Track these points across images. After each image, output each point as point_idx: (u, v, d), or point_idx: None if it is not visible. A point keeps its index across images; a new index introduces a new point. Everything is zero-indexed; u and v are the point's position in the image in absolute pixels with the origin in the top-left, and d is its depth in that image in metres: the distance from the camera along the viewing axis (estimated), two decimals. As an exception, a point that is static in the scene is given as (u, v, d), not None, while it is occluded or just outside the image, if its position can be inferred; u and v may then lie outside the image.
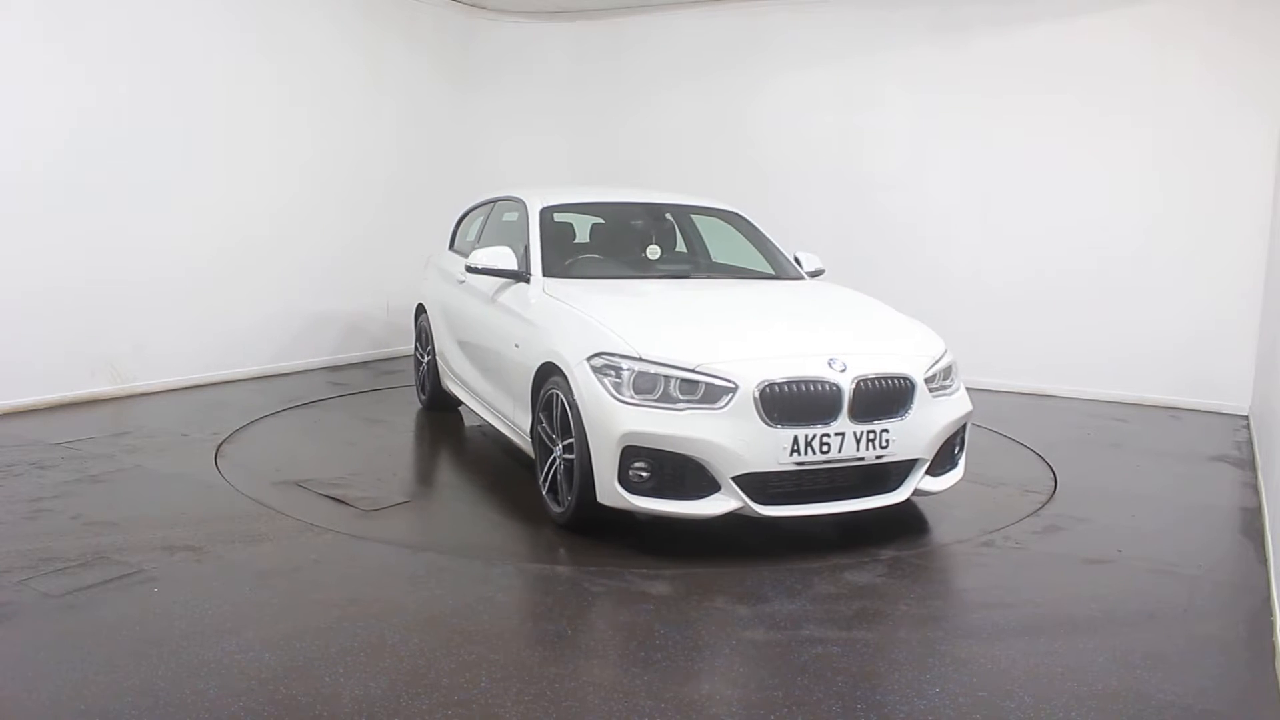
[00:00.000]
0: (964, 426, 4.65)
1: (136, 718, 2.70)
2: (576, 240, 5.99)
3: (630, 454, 4.01)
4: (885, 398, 4.20)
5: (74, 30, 6.49)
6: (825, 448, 4.05)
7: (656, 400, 4.02)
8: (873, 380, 4.16)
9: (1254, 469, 5.96)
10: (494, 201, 6.57)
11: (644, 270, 5.60)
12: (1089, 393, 8.08)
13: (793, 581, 3.91)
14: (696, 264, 5.99)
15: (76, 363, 6.66)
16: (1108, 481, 5.61)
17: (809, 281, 5.68)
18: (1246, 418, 7.48)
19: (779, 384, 4.01)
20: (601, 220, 6.22)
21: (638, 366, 4.07)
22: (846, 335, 4.57)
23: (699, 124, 9.58)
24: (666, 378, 4.03)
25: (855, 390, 4.09)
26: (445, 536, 4.49)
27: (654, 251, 5.77)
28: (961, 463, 4.71)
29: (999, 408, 7.63)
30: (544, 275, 5.18)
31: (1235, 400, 7.62)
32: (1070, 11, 8.01)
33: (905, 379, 4.26)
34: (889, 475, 4.31)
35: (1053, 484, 5.48)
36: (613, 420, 4.01)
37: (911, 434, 4.25)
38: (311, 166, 8.36)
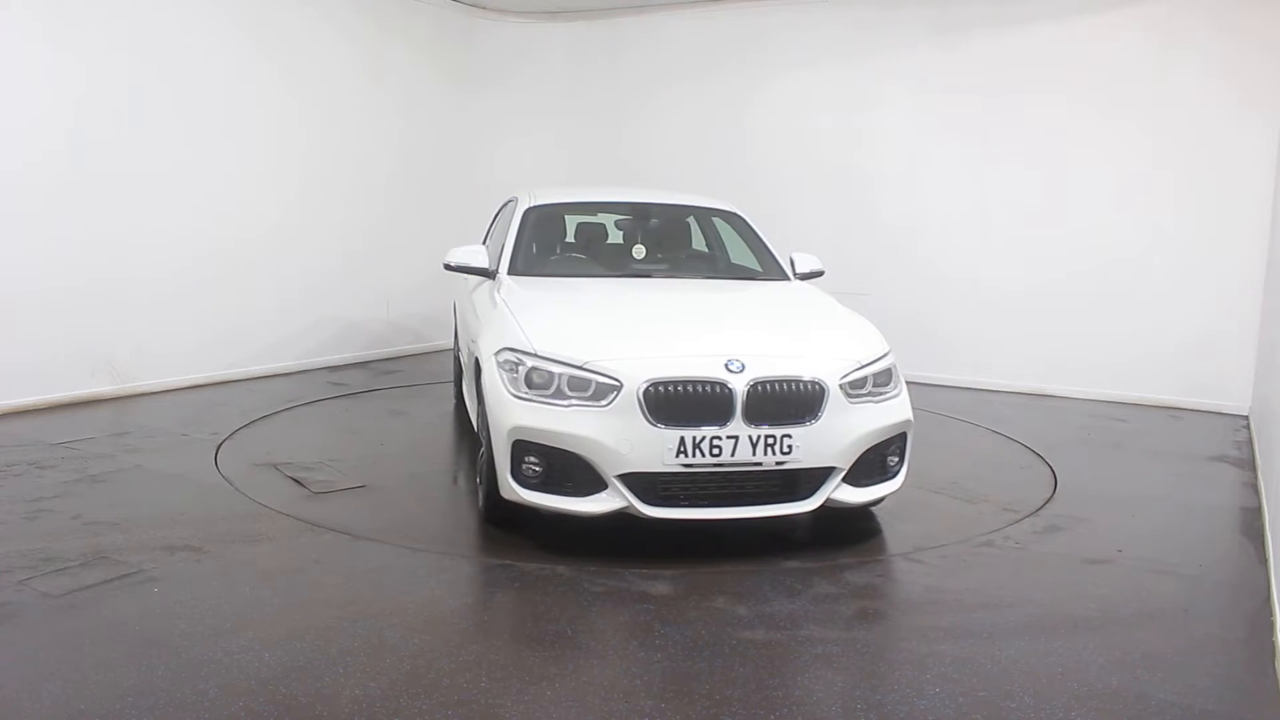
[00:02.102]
0: (902, 435, 4.40)
1: (136, 718, 2.70)
2: (565, 239, 6.03)
3: (521, 449, 4.03)
4: (787, 402, 4.02)
5: (73, 29, 6.48)
6: (716, 451, 3.92)
7: (550, 396, 4.01)
8: (771, 383, 4.00)
9: (1254, 469, 5.96)
10: (509, 200, 6.62)
11: (621, 269, 5.60)
12: (1089, 393, 8.08)
13: (793, 581, 3.91)
14: (680, 264, 5.83)
15: (76, 363, 6.66)
16: (1108, 481, 5.60)
17: (790, 283, 5.52)
18: (1246, 418, 7.48)
19: (664, 383, 3.92)
20: (590, 219, 6.23)
21: (531, 362, 4.09)
22: (764, 337, 4.44)
23: (698, 124, 9.58)
24: (558, 374, 4.02)
25: (749, 393, 3.95)
26: (445, 536, 4.48)
27: (639, 251, 5.77)
28: (900, 474, 4.46)
29: (999, 408, 7.63)
30: (509, 273, 5.27)
31: (1235, 400, 7.62)
32: (1070, 12, 8.01)
33: (813, 383, 4.07)
34: (799, 482, 4.13)
35: (1045, 495, 5.47)
36: (506, 414, 4.06)
37: (821, 441, 4.05)
38: (311, 166, 8.36)
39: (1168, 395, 7.85)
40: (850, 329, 4.66)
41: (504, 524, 4.39)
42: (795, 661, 3.21)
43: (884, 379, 4.36)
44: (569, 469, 3.99)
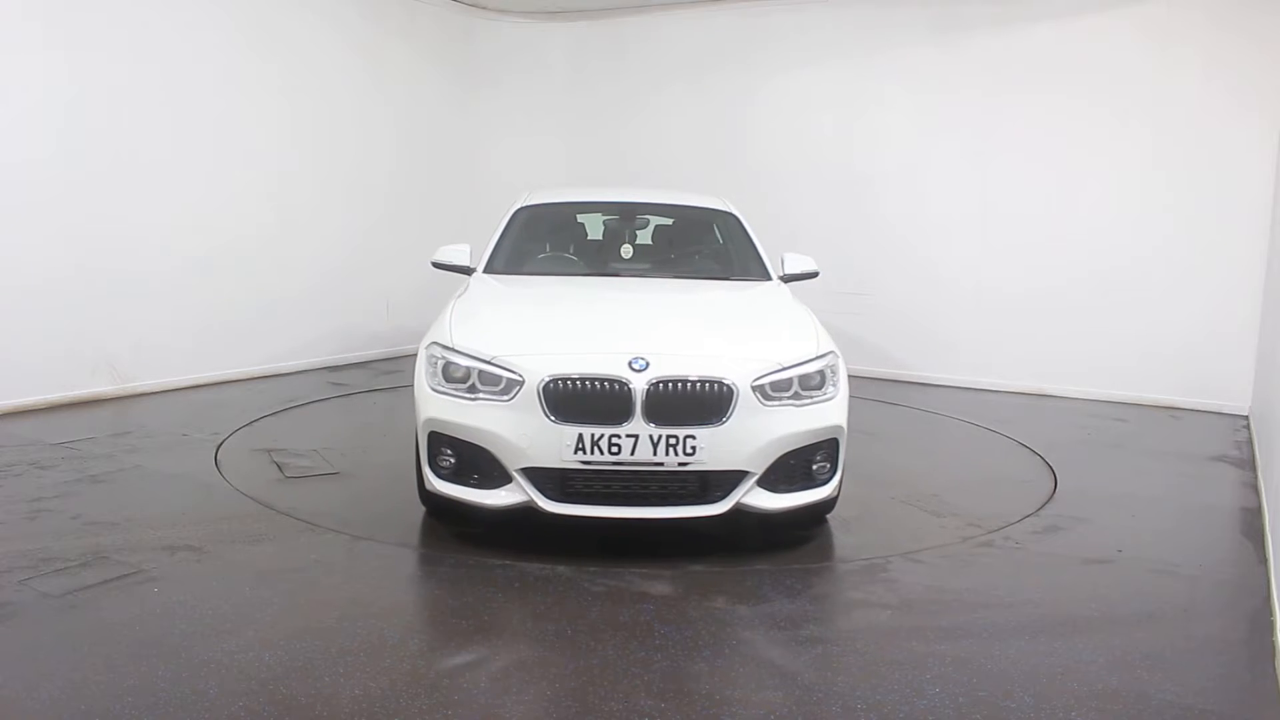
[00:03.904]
0: (832, 442, 4.22)
1: (136, 718, 2.70)
2: (554, 238, 6.06)
3: (435, 440, 4.12)
4: (691, 402, 3.94)
5: (72, 29, 6.48)
6: (615, 449, 3.87)
7: (464, 390, 4.07)
8: (673, 383, 3.92)
9: (1254, 469, 5.96)
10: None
11: (602, 269, 5.64)
12: (1089, 393, 8.08)
13: (793, 581, 3.91)
14: (665, 264, 5.78)
15: (76, 362, 6.66)
16: (1108, 481, 5.61)
17: (765, 284, 5.38)
18: (1246, 418, 7.48)
19: (564, 379, 3.91)
20: (581, 219, 6.25)
21: (447, 355, 4.17)
22: (684, 336, 4.36)
23: (698, 124, 9.58)
24: (471, 368, 4.08)
25: (649, 392, 3.89)
26: (449, 535, 4.48)
27: (627, 251, 5.79)
28: (831, 482, 4.27)
29: (999, 408, 7.64)
30: (485, 271, 5.37)
31: (1235, 400, 7.63)
32: (1070, 12, 8.01)
33: (719, 384, 3.96)
34: (709, 485, 4.01)
35: (1032, 508, 5.47)
36: (423, 407, 4.17)
37: (729, 443, 3.95)
38: (311, 166, 8.36)
39: (1168, 395, 7.85)
40: (792, 331, 4.49)
41: (504, 524, 4.39)
42: (795, 661, 3.21)
43: (814, 382, 4.19)
44: (477, 461, 4.05)
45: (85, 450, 5.47)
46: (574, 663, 3.13)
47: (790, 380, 4.12)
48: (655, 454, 3.89)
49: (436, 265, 5.54)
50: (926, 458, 6.24)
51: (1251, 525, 4.88)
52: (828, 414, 4.19)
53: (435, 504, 4.42)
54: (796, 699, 2.93)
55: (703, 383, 3.96)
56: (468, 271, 5.44)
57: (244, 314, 7.82)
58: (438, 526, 4.46)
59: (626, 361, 3.95)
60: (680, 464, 3.92)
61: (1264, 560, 4.33)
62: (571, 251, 5.97)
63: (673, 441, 3.89)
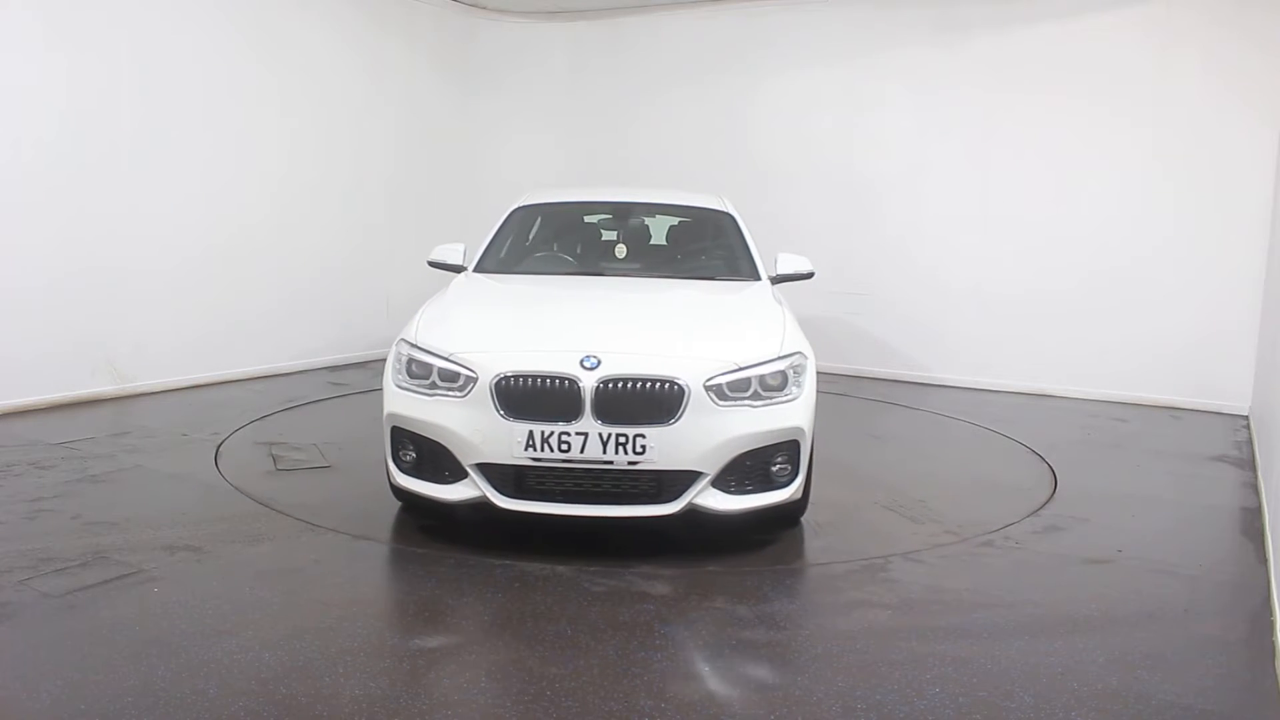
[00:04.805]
0: (792, 444, 4.13)
1: (136, 718, 2.70)
2: (548, 238, 6.07)
3: (397, 435, 4.21)
4: (641, 401, 3.92)
5: (72, 28, 6.48)
6: (565, 446, 3.89)
7: (425, 387, 4.14)
8: (622, 381, 3.91)
9: (1254, 469, 5.96)
10: None
11: (592, 268, 5.66)
12: (1089, 393, 8.08)
13: (793, 581, 3.91)
14: (656, 264, 5.75)
15: (76, 362, 6.66)
16: (1108, 481, 5.61)
17: (750, 284, 5.30)
18: (1246, 418, 7.48)
19: (515, 376, 3.95)
20: (576, 219, 6.27)
21: (409, 352, 4.25)
22: (641, 335, 4.32)
23: (699, 124, 9.58)
24: (432, 365, 4.14)
25: (598, 390, 3.89)
26: (449, 535, 4.49)
27: (621, 250, 5.81)
28: (793, 485, 4.17)
29: (999, 408, 7.64)
30: (475, 270, 5.42)
31: (1235, 400, 7.63)
32: (1070, 11, 8.02)
33: (669, 383, 3.93)
34: (662, 485, 3.98)
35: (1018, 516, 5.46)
36: (386, 402, 4.26)
37: (679, 443, 3.91)
38: (311, 166, 8.36)
39: (1168, 395, 7.85)
40: (757, 332, 4.41)
41: (504, 524, 4.38)
42: (795, 661, 3.21)
43: (775, 383, 4.13)
44: (436, 456, 4.11)
45: (85, 450, 5.47)
46: (574, 663, 3.13)
47: (748, 380, 4.08)
48: (605, 452, 3.89)
49: (432, 264, 5.59)
50: (921, 460, 6.21)
51: (1251, 525, 4.88)
52: (788, 415, 4.11)
53: (402, 498, 4.50)
54: (796, 699, 2.93)
55: (653, 382, 3.94)
56: (457, 270, 5.49)
57: (244, 314, 7.82)
58: (438, 526, 4.46)
59: (578, 360, 3.98)
60: (630, 463, 3.91)
61: (1264, 560, 4.33)
62: (564, 251, 5.98)
63: (622, 440, 3.89)
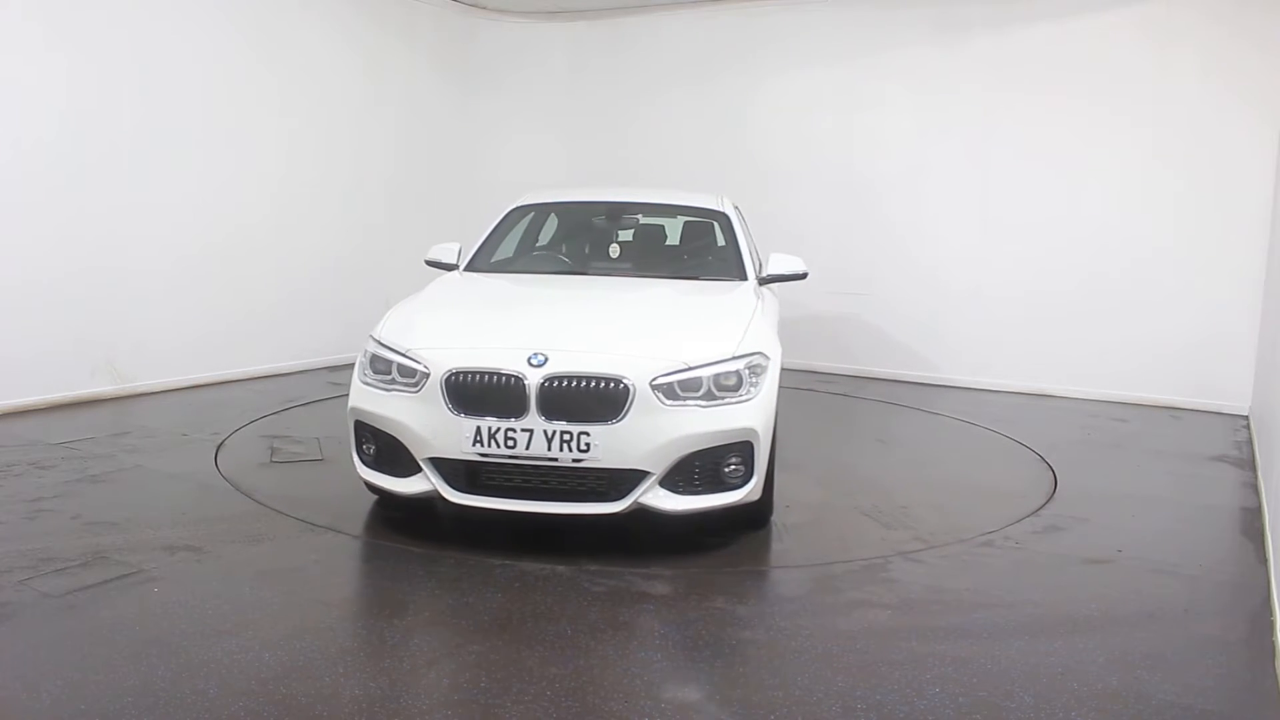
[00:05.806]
0: (745, 445, 4.07)
1: (136, 718, 2.70)
2: (544, 237, 6.10)
3: (359, 429, 4.33)
4: (586, 399, 3.92)
5: (72, 28, 6.48)
6: (511, 442, 3.93)
7: (385, 382, 4.22)
8: (567, 379, 3.93)
9: (1254, 469, 5.96)
10: None
11: (582, 267, 5.70)
12: (1089, 393, 8.08)
13: (793, 581, 3.91)
14: (648, 264, 5.71)
15: (76, 362, 6.66)
16: (1108, 481, 5.61)
17: (735, 284, 5.25)
18: (1246, 418, 7.48)
19: (463, 372, 4.02)
20: (573, 218, 6.30)
21: (375, 349, 4.35)
22: (592, 333, 4.30)
23: (699, 124, 9.58)
24: (391, 361, 4.22)
25: (543, 387, 3.92)
26: (449, 535, 4.49)
27: (614, 250, 5.86)
28: (747, 486, 4.10)
29: (999, 408, 7.64)
30: (466, 269, 5.51)
31: (1235, 400, 7.63)
32: (1070, 11, 8.02)
33: (614, 381, 3.92)
34: (611, 483, 3.98)
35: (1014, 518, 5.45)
36: (351, 396, 4.36)
37: (624, 442, 3.90)
38: (311, 166, 8.36)
39: (1168, 395, 7.85)
40: (717, 331, 4.35)
41: (504, 524, 4.39)
42: (795, 661, 3.21)
43: (729, 383, 4.08)
44: (392, 450, 4.19)
45: (85, 450, 5.47)
46: (574, 663, 3.13)
47: (700, 380, 4.03)
48: (550, 449, 3.92)
49: (429, 263, 5.63)
50: (916, 462, 6.17)
51: (1251, 525, 4.88)
52: (739, 416, 4.05)
53: (371, 490, 4.56)
54: (796, 699, 2.93)
55: (598, 380, 3.95)
56: (446, 268, 5.54)
57: (244, 314, 7.82)
58: (438, 525, 4.46)
59: (526, 357, 4.02)
60: (575, 460, 3.93)
61: (1264, 560, 4.33)
62: (556, 250, 6.01)
63: (566, 438, 3.91)
